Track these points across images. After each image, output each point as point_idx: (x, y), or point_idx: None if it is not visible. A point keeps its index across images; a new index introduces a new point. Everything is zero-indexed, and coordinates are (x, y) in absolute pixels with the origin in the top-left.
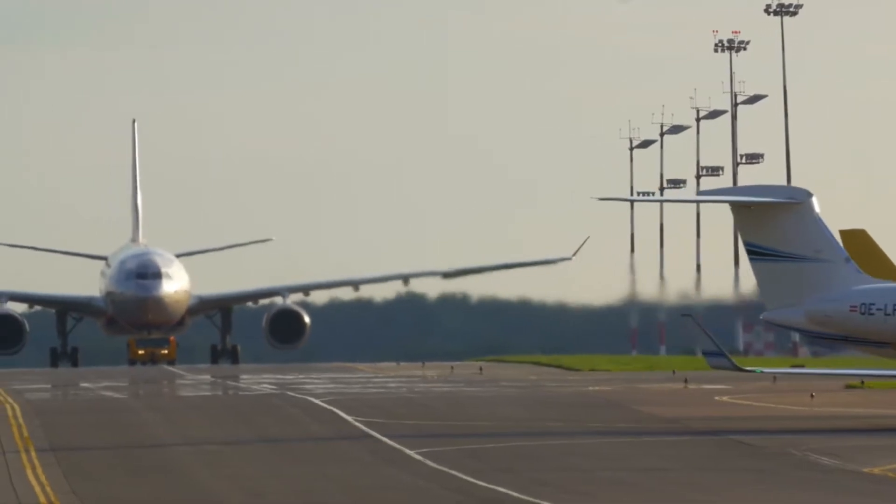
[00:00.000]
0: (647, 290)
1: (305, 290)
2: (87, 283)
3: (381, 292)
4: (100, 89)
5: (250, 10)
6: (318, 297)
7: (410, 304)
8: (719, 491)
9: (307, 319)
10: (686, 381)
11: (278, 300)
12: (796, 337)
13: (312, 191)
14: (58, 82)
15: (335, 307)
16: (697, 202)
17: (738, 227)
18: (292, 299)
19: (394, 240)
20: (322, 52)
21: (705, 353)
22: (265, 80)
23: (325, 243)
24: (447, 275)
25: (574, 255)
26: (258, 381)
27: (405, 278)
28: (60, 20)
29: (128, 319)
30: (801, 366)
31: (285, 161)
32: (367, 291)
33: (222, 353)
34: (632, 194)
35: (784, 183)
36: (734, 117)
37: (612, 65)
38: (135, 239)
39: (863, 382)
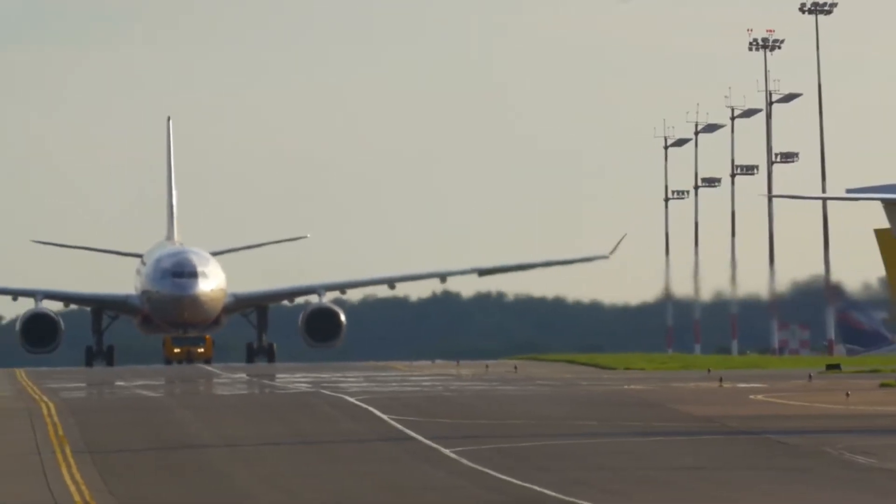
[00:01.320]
0: (683, 288)
1: (342, 288)
2: (122, 281)
3: (417, 291)
4: (135, 87)
5: (286, 9)
6: (353, 295)
7: (445, 303)
8: (754, 490)
9: (343, 318)
10: (721, 379)
11: (314, 298)
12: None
13: (348, 188)
14: (93, 80)
15: (370, 305)
16: (848, 200)
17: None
18: (328, 297)
19: (430, 238)
20: (358, 50)
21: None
22: (300, 78)
23: (360, 241)
24: (483, 272)
25: (611, 252)
26: (293, 379)
27: (442, 276)
28: (95, 19)
29: (164, 318)
30: (838, 365)
31: (321, 158)
32: (402, 289)
33: (258, 352)
34: (666, 193)
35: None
36: (769, 116)
37: (647, 64)
38: (170, 237)
39: None
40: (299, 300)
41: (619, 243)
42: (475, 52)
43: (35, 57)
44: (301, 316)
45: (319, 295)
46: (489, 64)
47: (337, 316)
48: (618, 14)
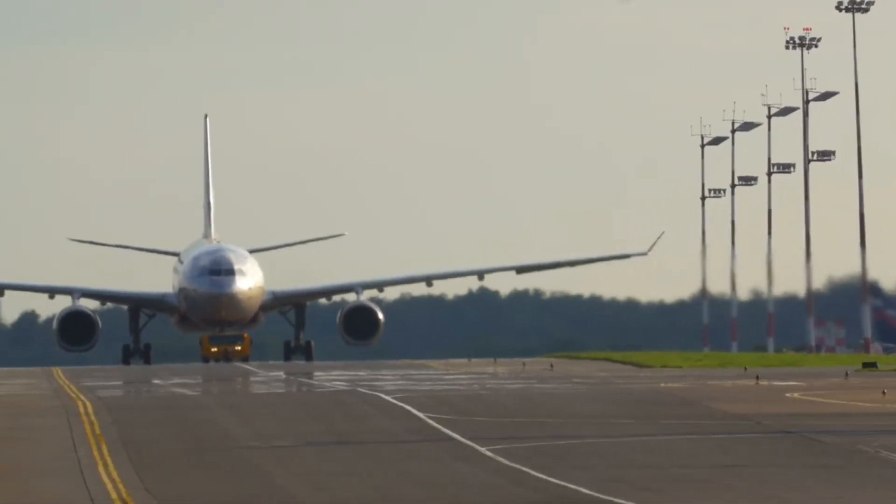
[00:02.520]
0: (719, 286)
1: (379, 286)
2: (159, 279)
3: (453, 288)
4: (172, 85)
5: (324, 7)
6: (389, 293)
7: (481, 301)
8: (790, 488)
9: (381, 316)
10: (757, 377)
11: (352, 296)
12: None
13: (386, 186)
14: (130, 78)
15: (406, 303)
16: None
17: None
18: (365, 295)
19: (467, 235)
20: (395, 48)
21: None
22: (339, 75)
23: (398, 239)
24: (521, 270)
25: (649, 250)
26: (330, 377)
27: (479, 274)
28: (132, 17)
29: (201, 316)
30: (875, 363)
31: (359, 156)
32: (438, 287)
33: (295, 350)
34: (702, 191)
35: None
36: (805, 114)
37: (684, 62)
38: (207, 234)
39: None
40: (337, 298)
41: (657, 241)
42: (511, 50)
43: (72, 55)
44: (339, 314)
45: (357, 293)
46: (525, 61)
47: (375, 314)
48: (655, 12)
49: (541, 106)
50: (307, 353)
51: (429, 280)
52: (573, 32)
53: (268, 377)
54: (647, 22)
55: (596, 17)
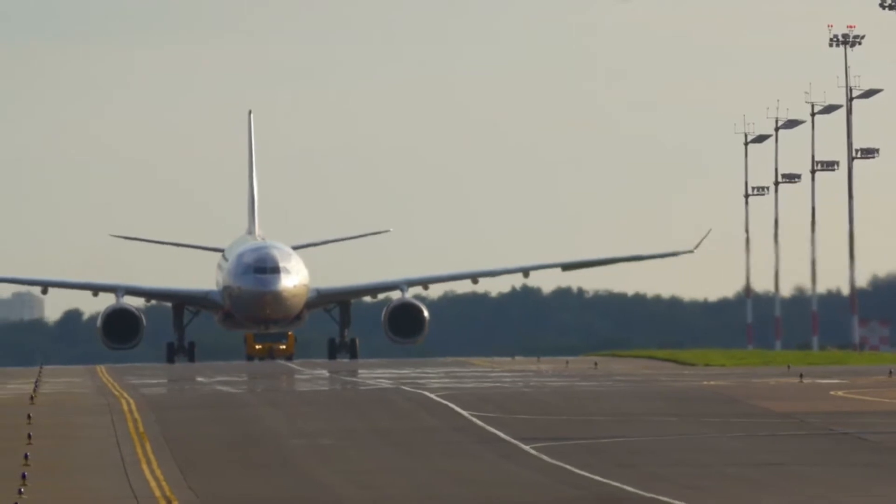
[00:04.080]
0: (763, 284)
1: (424, 283)
2: (203, 276)
3: (497, 286)
4: (216, 81)
5: (368, 3)
6: (432, 291)
7: (525, 298)
8: (834, 486)
9: (426, 314)
10: (801, 375)
11: (397, 294)
12: None
13: (431, 182)
14: (173, 74)
15: (449, 301)
16: None
17: None
18: (410, 293)
19: (512, 232)
20: (439, 44)
21: None
22: (383, 71)
23: (443, 236)
24: (567, 267)
25: (696, 247)
26: (374, 375)
27: (525, 271)
28: (177, 13)
29: (245, 314)
30: None
31: (404, 152)
32: (482, 285)
33: (340, 348)
34: (746, 189)
35: None
36: (849, 112)
37: (727, 60)
38: (251, 231)
39: None
40: (381, 296)
41: (704, 238)
42: (555, 48)
43: (117, 51)
44: (384, 311)
45: (402, 290)
46: (570, 59)
47: (420, 311)
48: (699, 10)
49: (588, 104)
50: (352, 351)
51: (474, 277)
52: (618, 30)
53: (312, 375)
54: (691, 20)
55: (642, 16)
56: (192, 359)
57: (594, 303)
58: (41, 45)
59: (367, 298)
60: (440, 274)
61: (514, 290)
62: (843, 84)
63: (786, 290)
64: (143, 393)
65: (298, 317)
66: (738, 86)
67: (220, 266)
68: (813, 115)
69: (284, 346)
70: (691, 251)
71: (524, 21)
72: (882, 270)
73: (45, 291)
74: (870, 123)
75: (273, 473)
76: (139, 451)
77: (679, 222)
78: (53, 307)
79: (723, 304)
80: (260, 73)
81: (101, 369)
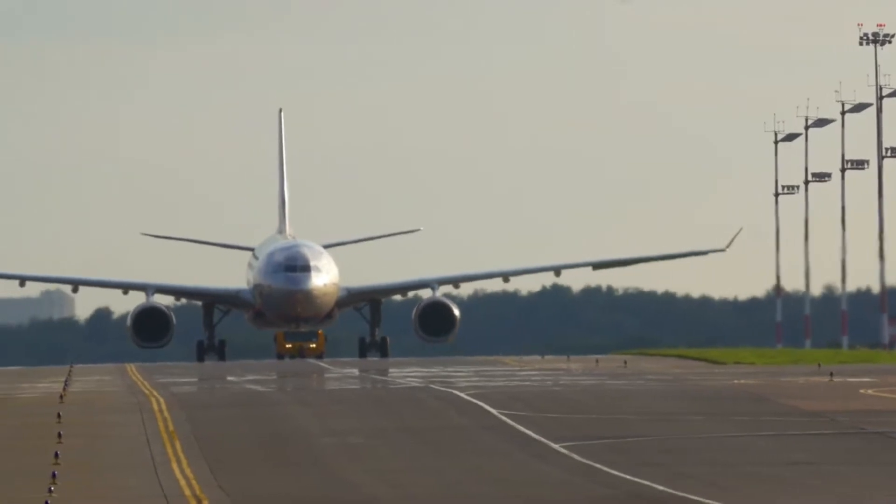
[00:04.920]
0: (793, 283)
1: (455, 282)
2: (233, 274)
3: (527, 285)
4: (247, 80)
5: (398, 3)
6: (462, 290)
7: (555, 297)
8: (864, 485)
9: (457, 312)
10: (831, 374)
11: (427, 292)
12: None
13: (461, 181)
14: (204, 73)
15: (479, 299)
16: None
17: None
18: (441, 291)
19: (542, 231)
20: (471, 43)
21: None
22: (413, 71)
23: (473, 234)
24: (598, 266)
25: (727, 246)
26: (404, 374)
27: (556, 270)
28: (208, 12)
29: (276, 313)
30: None
31: (434, 151)
32: (512, 283)
33: (371, 347)
34: (776, 188)
35: None
36: (879, 110)
37: (757, 59)
38: (281, 230)
39: None
40: (412, 294)
41: (735, 237)
42: (584, 47)
43: (147, 50)
44: (414, 310)
45: (433, 289)
46: (600, 58)
47: (451, 310)
48: (728, 10)
49: (619, 103)
50: (382, 350)
51: (505, 276)
52: (647, 29)
53: (341, 374)
54: (720, 20)
55: (670, 15)
56: (222, 357)
57: (624, 301)
58: (70, 44)
59: (398, 297)
60: (471, 273)
61: (543, 288)
62: (873, 83)
63: (816, 289)
64: (174, 391)
65: (329, 315)
66: (769, 85)
67: (250, 265)
68: (843, 113)
69: (315, 345)
70: (722, 250)
71: (554, 20)
72: None
73: (75, 290)
74: None
75: (303, 472)
76: (169, 449)
77: (709, 221)
78: (83, 306)
79: (753, 303)
80: (291, 72)
81: (132, 368)
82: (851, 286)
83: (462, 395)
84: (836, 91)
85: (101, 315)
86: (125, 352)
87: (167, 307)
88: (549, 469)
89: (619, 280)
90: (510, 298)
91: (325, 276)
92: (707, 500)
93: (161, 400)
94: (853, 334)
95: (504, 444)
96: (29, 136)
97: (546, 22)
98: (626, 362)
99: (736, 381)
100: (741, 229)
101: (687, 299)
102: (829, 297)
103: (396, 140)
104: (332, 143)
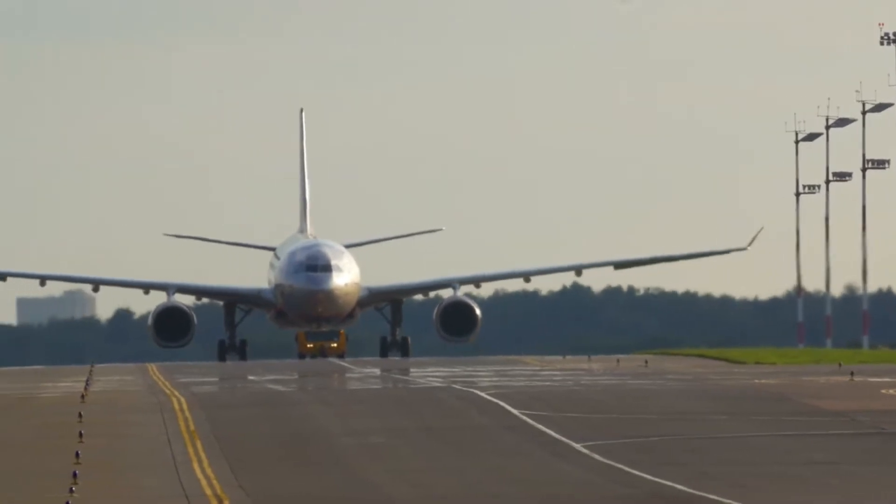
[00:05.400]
0: (813, 283)
1: (476, 281)
2: (254, 274)
3: (548, 284)
4: (267, 79)
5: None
6: (483, 289)
7: (576, 297)
8: (886, 485)
9: (479, 312)
10: (852, 374)
11: (448, 292)
12: None
13: (482, 180)
14: (225, 72)
15: (500, 299)
16: None
17: None
18: (462, 291)
19: (564, 230)
20: (493, 43)
21: None
22: (435, 70)
23: (495, 234)
24: (619, 265)
25: (749, 245)
26: (425, 374)
27: (577, 269)
28: (229, 11)
29: (297, 312)
30: None
31: (456, 150)
32: (533, 283)
33: (392, 346)
34: (797, 188)
35: None
36: None
37: (778, 58)
38: (303, 229)
39: None
40: (433, 294)
41: (756, 236)
42: (606, 45)
43: (168, 49)
44: (436, 310)
45: (454, 288)
46: (622, 56)
47: (472, 310)
48: (749, 8)
49: (639, 102)
50: (404, 350)
51: (527, 276)
52: (670, 28)
53: (363, 374)
54: (740, 18)
55: (694, 14)
56: (243, 357)
57: (645, 301)
58: (92, 44)
59: (419, 297)
60: (492, 272)
61: (564, 288)
62: (894, 82)
63: (836, 289)
64: (194, 391)
65: (350, 315)
66: (789, 84)
67: (271, 264)
68: (864, 113)
69: (336, 345)
70: (744, 249)
71: (575, 18)
72: None
73: (96, 289)
74: None
75: (323, 472)
76: (190, 449)
77: (730, 221)
78: (105, 305)
79: (773, 303)
80: (312, 72)
81: (153, 367)
82: (872, 286)
83: (483, 394)
84: (856, 91)
85: (123, 315)
86: (146, 351)
87: (188, 307)
88: (570, 469)
89: (640, 280)
90: (531, 298)
91: (347, 276)
92: (727, 500)
93: (182, 399)
94: (874, 334)
95: (525, 444)
96: (51, 135)
97: (568, 20)
98: (646, 362)
99: (757, 381)
100: (762, 228)
101: (708, 299)
102: (850, 296)
103: (418, 140)
104: (354, 142)
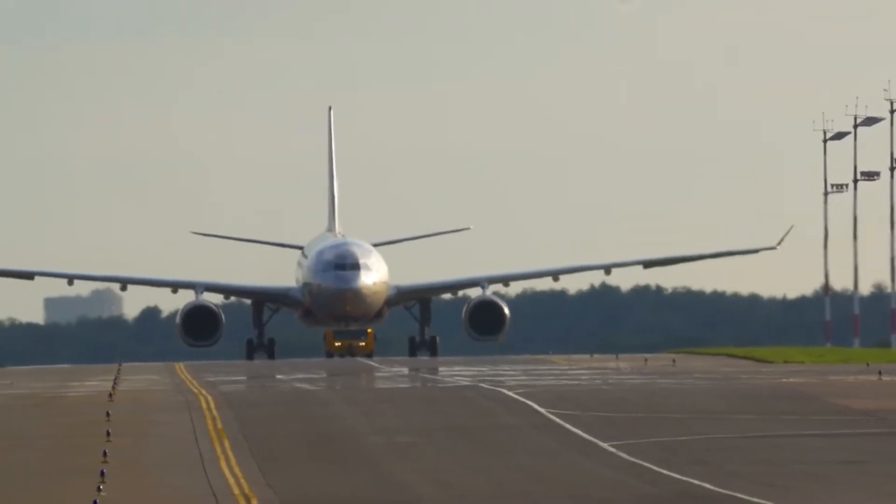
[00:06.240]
0: (841, 282)
1: (505, 280)
2: (283, 273)
3: (576, 283)
4: (295, 77)
5: (448, 3)
6: (511, 288)
7: (604, 296)
8: None
9: (507, 311)
10: (880, 373)
11: (476, 291)
12: None
13: (511, 179)
14: (254, 72)
15: (528, 298)
16: None
17: None
18: (490, 290)
19: (592, 229)
20: (521, 43)
21: None
22: (464, 69)
23: (523, 233)
24: (648, 264)
25: (778, 244)
26: (452, 373)
27: (606, 268)
28: (257, 11)
29: (325, 311)
30: None
31: (485, 148)
32: (561, 282)
33: (420, 345)
34: (825, 187)
35: None
36: None
37: (806, 57)
38: (331, 228)
39: None
40: (461, 293)
41: (785, 235)
42: (632, 46)
43: (196, 48)
44: (465, 308)
45: (483, 287)
46: (648, 56)
47: (501, 309)
48: (778, 7)
49: (669, 102)
50: (432, 349)
51: (555, 274)
52: (702, 29)
53: (390, 373)
54: (768, 18)
55: (723, 13)
56: (271, 356)
57: (673, 300)
58: (118, 43)
59: (447, 296)
60: (520, 271)
61: (592, 287)
62: None
63: (864, 288)
64: (222, 390)
65: (379, 314)
66: (817, 83)
67: (299, 263)
68: (892, 112)
69: (364, 344)
70: (774, 247)
71: (603, 19)
72: None
73: (124, 288)
74: None
75: (351, 471)
76: (218, 448)
77: (758, 220)
78: (132, 304)
79: (801, 302)
80: (340, 70)
81: (180, 366)
82: None
83: (511, 393)
84: (884, 90)
85: (150, 313)
86: (173, 350)
87: (216, 306)
88: (598, 468)
89: (668, 279)
90: (559, 297)
91: (375, 275)
92: (755, 499)
93: (210, 398)
94: None
95: (553, 443)
96: (78, 134)
97: (599, 19)
98: (674, 361)
99: (785, 380)
100: (792, 227)
101: (735, 298)
102: (878, 295)
103: (446, 138)
104: (382, 141)
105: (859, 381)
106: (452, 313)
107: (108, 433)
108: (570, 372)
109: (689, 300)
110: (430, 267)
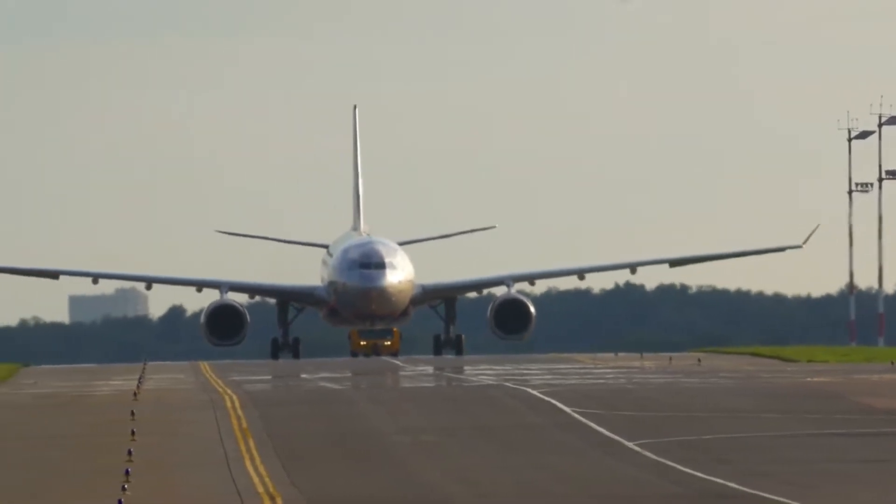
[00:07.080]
0: (866, 280)
1: (530, 279)
2: (308, 272)
3: (601, 282)
4: (321, 76)
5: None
6: (535, 287)
7: (628, 295)
8: None
9: (533, 309)
10: None
11: (502, 289)
12: None
13: (536, 177)
14: (278, 70)
15: (552, 297)
16: None
17: None
18: (515, 288)
19: (617, 227)
20: (542, 42)
21: None
22: (489, 69)
23: (547, 231)
24: (674, 263)
25: (804, 242)
26: (477, 372)
27: (632, 267)
28: (283, 9)
29: (351, 310)
30: None
31: (510, 147)
32: (586, 281)
33: (446, 344)
34: (850, 186)
35: None
36: None
37: (830, 56)
38: (356, 227)
39: None
40: (486, 291)
41: (812, 233)
42: (656, 45)
43: (220, 46)
44: (490, 307)
45: (508, 286)
46: (673, 55)
47: (527, 307)
48: (802, 6)
49: (694, 101)
50: (457, 348)
51: (581, 273)
52: (727, 28)
53: (415, 372)
54: (793, 17)
55: (748, 14)
56: (296, 355)
57: (697, 299)
58: (142, 42)
59: (473, 294)
60: (546, 270)
61: (617, 286)
62: None
63: (889, 287)
64: (247, 389)
65: (404, 313)
66: (842, 82)
67: (324, 262)
68: None
69: (389, 343)
70: (799, 246)
71: (627, 19)
72: None
73: (148, 287)
74: None
75: (376, 470)
76: (242, 447)
77: (783, 218)
78: (157, 303)
79: (826, 301)
80: (366, 69)
81: (205, 366)
82: None
83: (535, 392)
84: None
85: (175, 313)
86: (198, 349)
87: (241, 305)
88: (622, 467)
89: (693, 278)
90: (584, 296)
91: (400, 273)
92: (779, 498)
93: (234, 397)
94: None
95: (577, 442)
96: (103, 134)
97: (623, 17)
98: (699, 360)
99: (809, 379)
100: (818, 226)
101: (760, 297)
102: None
103: (472, 137)
104: (408, 139)
105: (884, 380)
106: (478, 312)
107: (132, 432)
108: (594, 371)
109: (713, 299)
110: (455, 266)
